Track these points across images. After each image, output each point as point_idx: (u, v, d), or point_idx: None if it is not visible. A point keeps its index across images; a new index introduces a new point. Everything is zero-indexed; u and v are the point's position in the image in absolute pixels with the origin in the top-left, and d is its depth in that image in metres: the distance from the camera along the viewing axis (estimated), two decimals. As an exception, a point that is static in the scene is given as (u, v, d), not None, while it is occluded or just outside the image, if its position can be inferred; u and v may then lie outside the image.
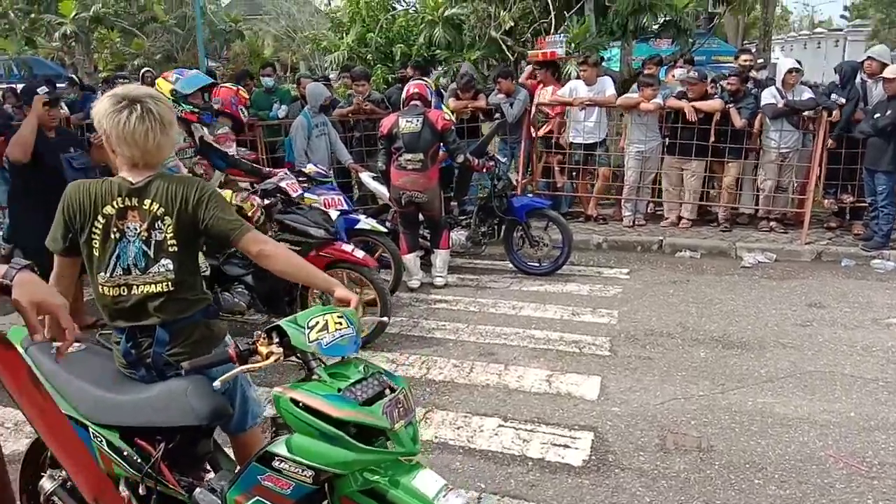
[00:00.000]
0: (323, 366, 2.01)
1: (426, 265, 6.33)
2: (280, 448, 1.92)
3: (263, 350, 1.97)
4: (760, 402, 3.92)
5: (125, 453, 2.20)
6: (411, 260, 6.04)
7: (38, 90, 4.80)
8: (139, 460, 2.19)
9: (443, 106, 6.95)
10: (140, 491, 2.24)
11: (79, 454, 1.36)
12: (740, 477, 3.22)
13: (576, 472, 3.28)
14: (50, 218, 2.28)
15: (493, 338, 4.94)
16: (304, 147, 6.69)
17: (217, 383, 1.91)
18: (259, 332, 2.01)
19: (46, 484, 2.47)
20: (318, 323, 1.99)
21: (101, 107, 2.20)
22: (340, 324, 2.03)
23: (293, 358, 2.01)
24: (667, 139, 7.90)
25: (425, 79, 5.92)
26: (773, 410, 3.83)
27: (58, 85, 7.71)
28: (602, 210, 8.38)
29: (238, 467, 2.37)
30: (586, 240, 7.47)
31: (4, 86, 12.88)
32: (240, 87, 5.57)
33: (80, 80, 11.67)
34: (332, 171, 6.85)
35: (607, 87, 7.93)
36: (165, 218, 2.20)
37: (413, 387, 4.19)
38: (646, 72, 8.60)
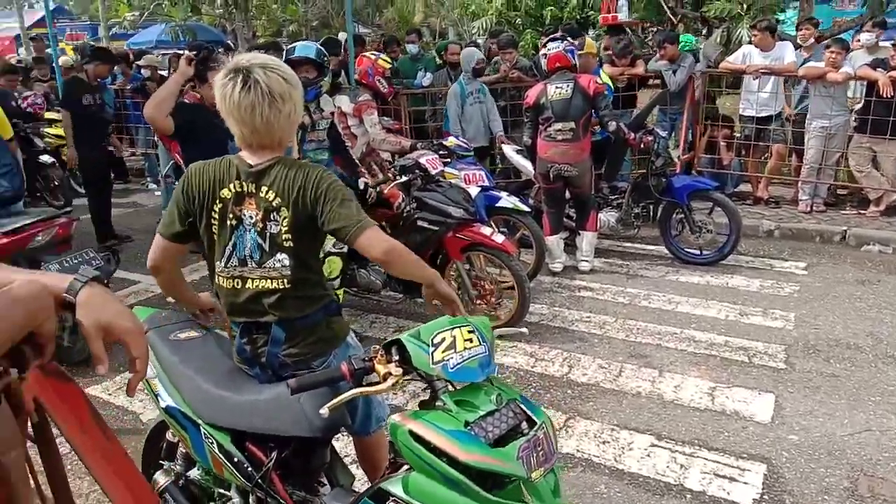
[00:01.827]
0: (450, 389, 1.71)
1: (570, 247, 5.88)
2: (396, 487, 1.64)
3: (381, 369, 1.69)
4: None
5: (236, 459, 2.02)
6: (554, 242, 5.62)
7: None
8: (249, 468, 2.00)
9: (601, 72, 6.40)
10: (250, 501, 2.07)
11: (151, 506, 1.11)
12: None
13: (745, 513, 2.78)
14: None
15: (646, 336, 4.45)
16: (457, 115, 6.45)
17: (324, 410, 1.64)
18: (377, 347, 1.73)
19: (160, 479, 2.37)
20: (444, 340, 1.69)
21: (217, 77, 1.97)
22: (471, 341, 1.71)
23: (417, 377, 1.73)
24: (854, 114, 6.88)
25: (567, 42, 5.36)
26: None
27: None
28: (775, 192, 7.49)
29: (353, 481, 2.18)
30: (755, 226, 6.69)
31: (171, 51, 13.60)
32: (380, 56, 5.30)
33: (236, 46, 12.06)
34: (487, 140, 6.59)
35: (786, 54, 7.02)
36: (282, 209, 1.96)
37: (552, 387, 3.83)
38: (829, 40, 7.53)
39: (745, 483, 2.97)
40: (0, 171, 4.31)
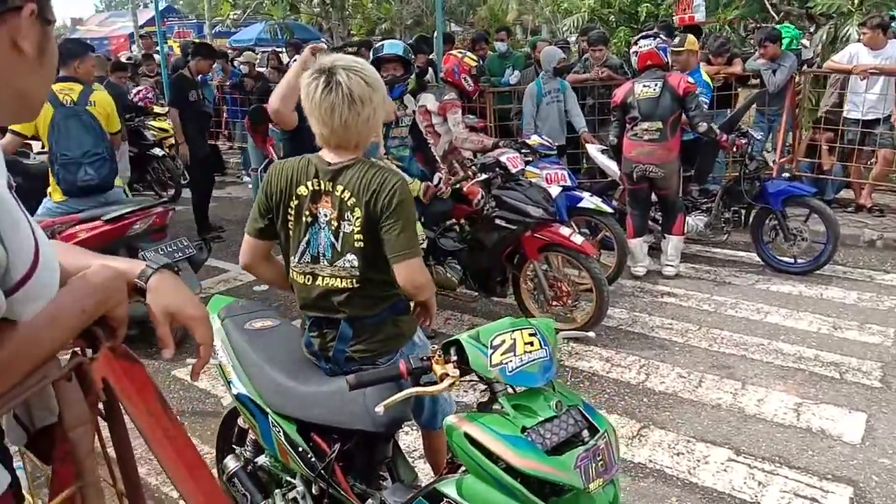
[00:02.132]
0: (508, 392, 1.70)
1: (655, 252, 5.73)
2: (450, 489, 1.65)
3: (438, 370, 1.70)
4: None
5: (300, 449, 2.08)
6: (637, 245, 5.49)
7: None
8: (313, 458, 2.06)
9: (700, 71, 6.19)
10: (313, 490, 2.13)
11: (210, 490, 1.17)
12: None
13: (826, 538, 2.64)
14: None
15: (730, 347, 4.28)
16: (532, 115, 6.40)
17: (379, 408, 1.66)
18: (435, 347, 1.74)
19: (230, 463, 2.47)
20: (503, 342, 1.68)
21: (303, 76, 2.03)
22: (532, 344, 1.70)
23: (475, 378, 1.73)
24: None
25: (659, 40, 5.21)
26: None
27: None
28: (880, 200, 7.04)
29: (415, 477, 2.19)
30: (856, 235, 6.32)
31: (269, 49, 14.09)
32: (466, 54, 5.32)
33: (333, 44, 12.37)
34: (563, 139, 6.52)
35: (897, 53, 6.58)
36: (355, 209, 2.00)
37: (627, 394, 3.75)
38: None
39: (829, 506, 2.82)
40: (89, 159, 4.35)
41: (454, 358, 1.70)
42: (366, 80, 1.98)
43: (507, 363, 1.65)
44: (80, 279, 1.04)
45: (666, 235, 5.54)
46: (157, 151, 8.59)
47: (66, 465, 1.03)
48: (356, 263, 2.03)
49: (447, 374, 1.67)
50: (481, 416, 1.66)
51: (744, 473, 3.04)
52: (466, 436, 1.60)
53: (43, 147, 4.72)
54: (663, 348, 4.30)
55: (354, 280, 2.04)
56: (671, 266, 5.50)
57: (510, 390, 1.70)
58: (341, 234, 2.03)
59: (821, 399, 3.64)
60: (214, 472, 2.91)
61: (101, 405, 1.12)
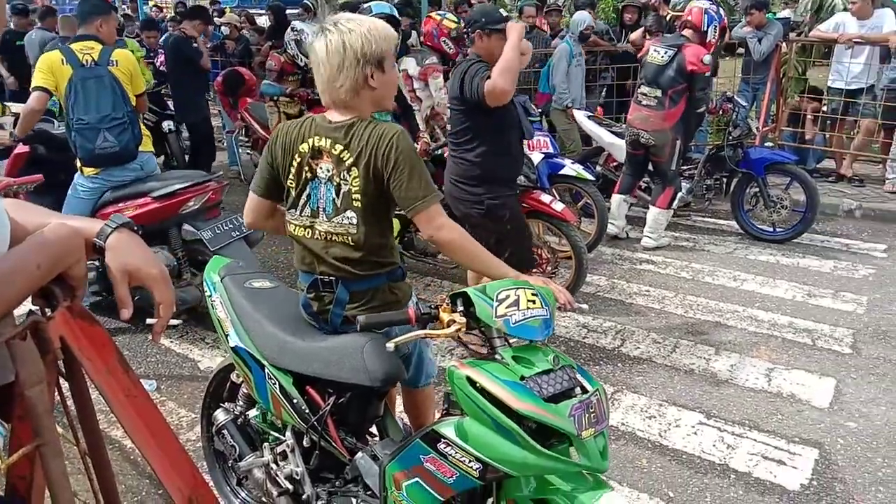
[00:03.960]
0: (507, 346, 1.81)
1: (641, 222, 5.74)
2: (448, 430, 1.75)
3: (445, 317, 1.81)
4: None
5: (295, 401, 2.17)
6: (617, 201, 5.58)
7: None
8: (307, 411, 2.15)
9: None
10: (304, 443, 2.21)
11: (172, 450, 1.19)
12: None
13: (790, 497, 2.79)
14: None
15: (706, 313, 4.39)
16: (565, 73, 6.49)
17: (390, 345, 1.77)
18: (443, 297, 1.86)
19: (220, 416, 2.57)
20: (508, 297, 1.78)
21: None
22: (533, 302, 1.80)
23: (476, 331, 1.86)
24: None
25: (712, 3, 5.10)
26: None
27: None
28: (860, 170, 7.12)
29: (404, 436, 2.26)
30: (835, 204, 6.45)
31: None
32: (445, 15, 5.25)
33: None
34: (584, 103, 6.59)
35: (885, 22, 6.63)
36: (353, 169, 2.04)
37: (602, 359, 3.85)
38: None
39: (794, 467, 2.96)
40: (108, 124, 3.94)
41: (460, 309, 1.81)
42: (361, 39, 1.99)
43: (511, 315, 1.75)
44: (36, 236, 1.03)
45: (650, 206, 5.57)
46: (168, 125, 7.58)
47: (25, 423, 1.04)
48: (355, 221, 2.07)
49: (454, 321, 1.78)
50: (483, 362, 1.77)
51: (713, 436, 3.16)
52: (468, 379, 1.71)
53: (60, 112, 4.44)
54: (640, 314, 4.40)
55: (351, 238, 2.09)
56: (649, 238, 5.56)
57: (508, 345, 1.81)
58: (342, 191, 2.07)
59: (792, 365, 3.76)
60: (196, 431, 2.97)
61: (61, 364, 1.12)
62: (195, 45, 6.84)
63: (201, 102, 6.96)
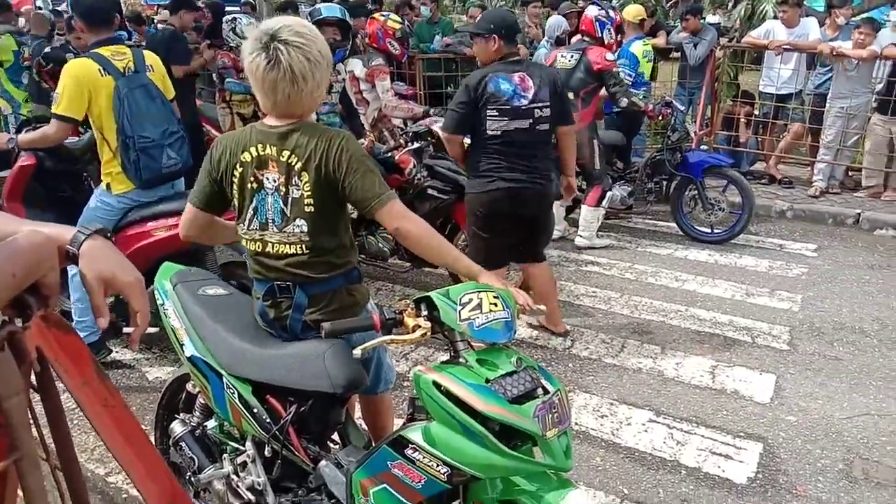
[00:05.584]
0: (471, 350, 1.86)
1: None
2: (415, 435, 1.78)
3: (410, 322, 1.85)
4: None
5: (255, 410, 2.16)
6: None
7: None
8: (268, 420, 2.14)
9: (635, 43, 6.32)
10: (265, 452, 2.20)
11: (150, 459, 1.18)
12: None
13: (738, 490, 2.91)
14: None
15: (650, 313, 4.54)
16: None
17: (357, 351, 1.79)
18: (407, 302, 1.92)
19: (177, 428, 2.53)
20: (471, 300, 1.83)
21: (244, 46, 2.03)
22: (496, 305, 1.85)
23: (440, 335, 1.88)
24: (875, 95, 6.81)
25: (600, 10, 5.31)
26: None
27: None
28: (790, 172, 7.46)
29: (366, 442, 2.28)
30: (768, 206, 6.74)
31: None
32: (389, 16, 5.25)
33: None
34: None
35: (811, 31, 6.98)
36: (303, 174, 2.04)
37: (554, 360, 3.94)
38: (859, 19, 7.42)
39: (741, 461, 3.08)
40: (167, 139, 3.52)
41: (424, 313, 1.84)
42: (307, 56, 1.99)
43: (474, 319, 1.79)
44: (9, 244, 1.02)
45: (581, 205, 5.70)
46: None
47: (1, 437, 1.01)
48: (305, 229, 2.07)
49: (419, 326, 1.82)
50: (448, 366, 1.81)
51: (663, 433, 3.26)
52: (434, 383, 1.74)
53: (86, 128, 3.80)
54: (588, 316, 4.50)
55: (304, 245, 2.09)
56: (582, 238, 5.72)
57: (471, 349, 1.85)
58: (290, 199, 2.06)
59: (734, 362, 3.91)
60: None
61: (32, 376, 1.09)
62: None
63: (193, 102, 6.38)
